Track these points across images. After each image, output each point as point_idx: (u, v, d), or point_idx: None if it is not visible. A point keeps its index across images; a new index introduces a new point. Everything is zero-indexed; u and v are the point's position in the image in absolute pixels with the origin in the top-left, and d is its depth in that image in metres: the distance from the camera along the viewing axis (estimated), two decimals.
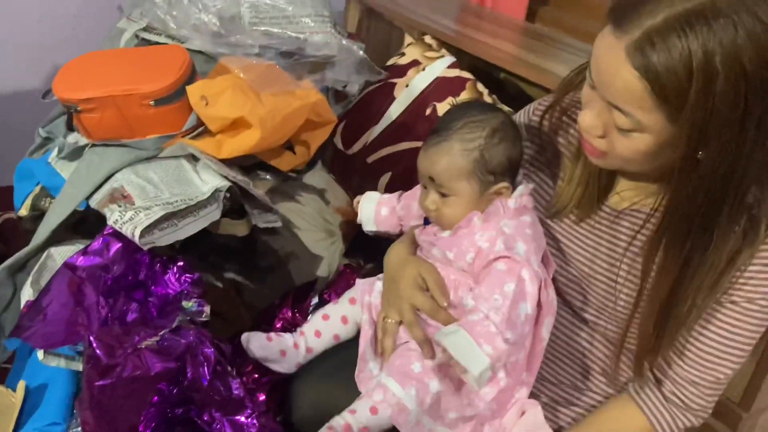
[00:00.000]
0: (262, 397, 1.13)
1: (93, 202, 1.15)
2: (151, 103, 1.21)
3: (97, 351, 0.91)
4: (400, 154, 1.50)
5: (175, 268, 1.08)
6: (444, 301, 0.92)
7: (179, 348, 0.95)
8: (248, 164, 1.31)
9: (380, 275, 1.03)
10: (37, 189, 1.30)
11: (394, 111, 1.53)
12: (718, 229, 0.80)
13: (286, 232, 1.31)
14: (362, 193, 1.11)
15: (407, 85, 1.55)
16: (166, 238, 1.06)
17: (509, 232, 0.89)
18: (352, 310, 1.04)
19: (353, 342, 1.02)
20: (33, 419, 1.06)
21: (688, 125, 0.73)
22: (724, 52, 0.70)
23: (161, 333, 0.97)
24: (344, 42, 1.54)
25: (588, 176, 0.95)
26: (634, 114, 0.76)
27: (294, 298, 1.29)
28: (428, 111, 1.50)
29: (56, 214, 1.17)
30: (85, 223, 1.20)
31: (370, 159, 1.52)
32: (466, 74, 1.53)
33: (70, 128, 1.28)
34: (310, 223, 1.35)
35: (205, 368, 0.96)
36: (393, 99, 1.55)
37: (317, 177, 1.43)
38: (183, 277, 1.07)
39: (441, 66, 1.55)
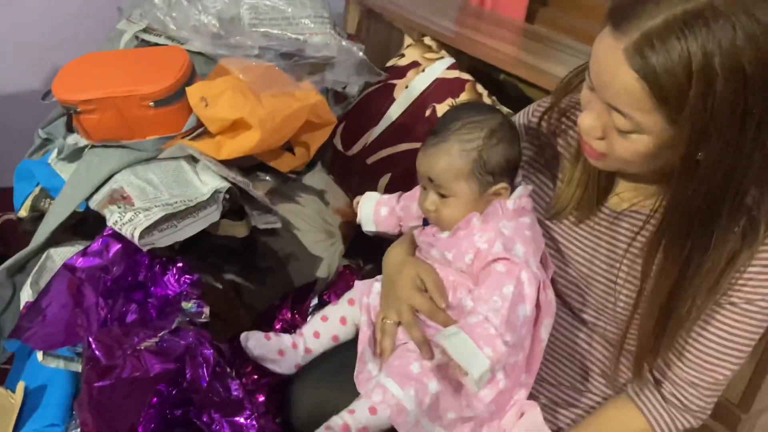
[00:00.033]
0: (262, 399, 1.13)
1: (92, 203, 1.15)
2: (151, 104, 1.21)
3: (97, 352, 0.91)
4: (400, 155, 1.50)
5: (174, 269, 1.08)
6: (442, 302, 0.92)
7: (178, 349, 0.95)
8: (248, 165, 1.31)
9: (379, 276, 1.04)
10: (37, 190, 1.30)
11: (394, 112, 1.54)
12: (717, 229, 0.80)
13: (286, 233, 1.31)
14: (362, 194, 1.12)
15: (407, 87, 1.55)
16: (165, 239, 1.06)
17: (508, 234, 0.89)
18: (350, 311, 1.04)
19: (352, 344, 1.02)
20: (32, 420, 1.06)
21: (688, 126, 0.73)
22: (723, 54, 0.70)
23: (160, 334, 0.97)
24: (344, 43, 1.55)
25: (587, 177, 0.95)
26: (633, 115, 0.76)
27: (293, 299, 1.29)
28: (428, 112, 1.50)
29: (56, 215, 1.17)
30: (84, 224, 1.20)
31: (370, 160, 1.52)
32: (466, 75, 1.53)
33: (70, 129, 1.28)
34: (309, 225, 1.35)
35: (205, 369, 0.96)
36: (392, 100, 1.55)
37: (317, 178, 1.43)
38: (182, 278, 1.07)
39: (440, 67, 1.55)
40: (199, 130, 1.25)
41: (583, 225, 0.98)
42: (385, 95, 1.56)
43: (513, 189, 0.93)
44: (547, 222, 1.01)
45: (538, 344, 0.91)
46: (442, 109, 1.49)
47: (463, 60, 1.61)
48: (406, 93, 1.54)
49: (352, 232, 1.41)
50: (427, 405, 0.88)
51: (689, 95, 0.71)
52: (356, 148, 1.54)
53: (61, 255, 1.14)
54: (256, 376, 1.14)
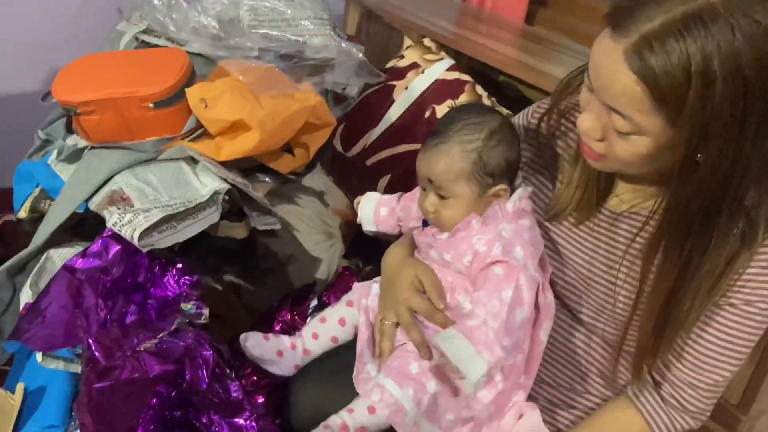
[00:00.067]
0: (261, 400, 1.13)
1: (92, 205, 1.15)
2: (151, 105, 1.21)
3: (96, 353, 0.91)
4: (400, 156, 1.50)
5: (174, 271, 1.08)
6: (441, 303, 0.92)
7: (178, 350, 0.95)
8: (247, 167, 1.31)
9: (377, 278, 1.04)
10: (37, 191, 1.30)
11: (394, 113, 1.54)
12: (717, 231, 0.81)
13: (285, 234, 1.31)
14: (362, 195, 1.12)
15: (406, 88, 1.55)
16: (165, 240, 1.06)
17: (507, 236, 0.89)
18: (349, 312, 1.04)
19: (351, 345, 1.02)
20: (31, 421, 1.06)
21: (687, 128, 0.73)
22: (722, 55, 0.70)
23: (160, 335, 0.97)
24: (343, 45, 1.55)
25: (587, 179, 0.95)
26: (632, 117, 0.76)
27: (293, 300, 1.29)
28: (427, 113, 1.50)
29: (55, 217, 1.17)
30: (84, 225, 1.20)
31: (370, 161, 1.52)
32: (465, 77, 1.53)
33: (70, 130, 1.28)
34: (309, 226, 1.36)
35: (204, 371, 0.96)
36: (392, 101, 1.55)
37: (316, 179, 1.43)
38: (182, 280, 1.07)
39: (440, 68, 1.55)
40: (199, 132, 1.26)
41: (583, 226, 0.98)
42: (385, 96, 1.56)
43: (513, 190, 0.93)
44: (547, 223, 1.01)
45: (537, 346, 0.91)
46: (441, 110, 1.49)
47: (462, 61, 1.61)
48: (406, 94, 1.54)
49: (351, 233, 1.41)
50: (425, 405, 0.88)
51: (688, 97, 0.71)
52: (356, 150, 1.54)
53: (60, 256, 1.14)
54: (255, 378, 1.14)
